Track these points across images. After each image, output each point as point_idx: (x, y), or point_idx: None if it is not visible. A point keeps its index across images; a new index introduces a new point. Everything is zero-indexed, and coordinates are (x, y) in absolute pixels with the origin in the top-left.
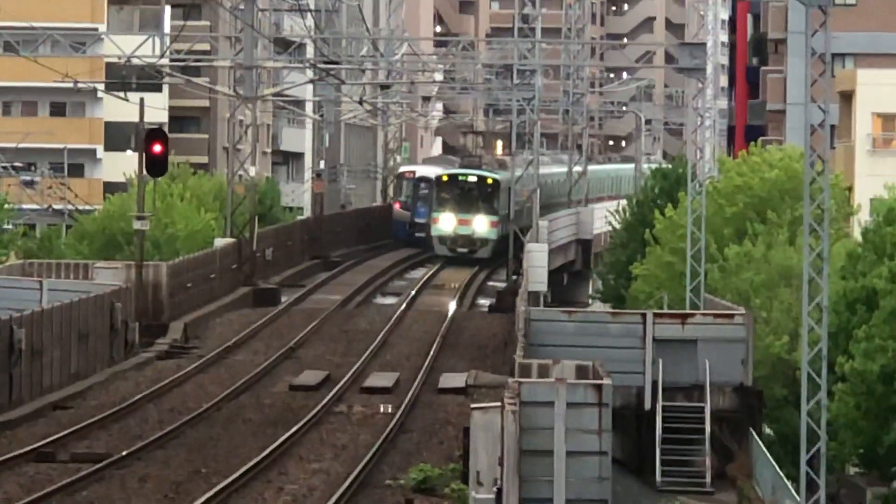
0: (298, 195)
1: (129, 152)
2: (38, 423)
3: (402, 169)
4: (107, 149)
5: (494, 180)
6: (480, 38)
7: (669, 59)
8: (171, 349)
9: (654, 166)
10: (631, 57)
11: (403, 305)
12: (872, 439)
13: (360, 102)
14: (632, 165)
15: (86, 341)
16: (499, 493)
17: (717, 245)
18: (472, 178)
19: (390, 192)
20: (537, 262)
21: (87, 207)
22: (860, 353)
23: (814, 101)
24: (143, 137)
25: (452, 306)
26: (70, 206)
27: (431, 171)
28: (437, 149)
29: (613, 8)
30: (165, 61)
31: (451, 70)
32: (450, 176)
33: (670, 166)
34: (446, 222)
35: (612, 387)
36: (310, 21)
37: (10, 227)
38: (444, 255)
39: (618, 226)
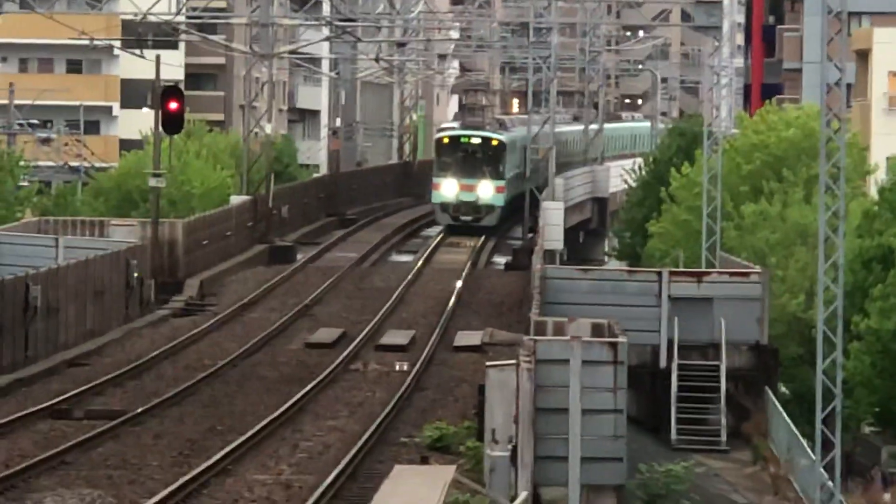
0: (314, 153)
1: (145, 110)
2: (54, 379)
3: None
4: (123, 106)
5: (500, 142)
6: None
7: (686, 17)
8: (187, 306)
9: (639, 124)
10: (647, 15)
11: (419, 263)
12: (888, 397)
13: (377, 60)
14: (628, 124)
15: (101, 298)
16: (514, 450)
17: (733, 203)
18: (476, 140)
19: (406, 149)
20: (553, 219)
21: (103, 165)
22: (876, 312)
23: (830, 60)
24: (160, 95)
25: (468, 264)
26: (86, 164)
27: None
28: (453, 107)
29: None
30: (182, 18)
31: (468, 28)
32: (451, 138)
33: (664, 123)
34: (448, 188)
35: (628, 345)
36: None
37: (26, 184)
38: (447, 223)
39: (634, 184)
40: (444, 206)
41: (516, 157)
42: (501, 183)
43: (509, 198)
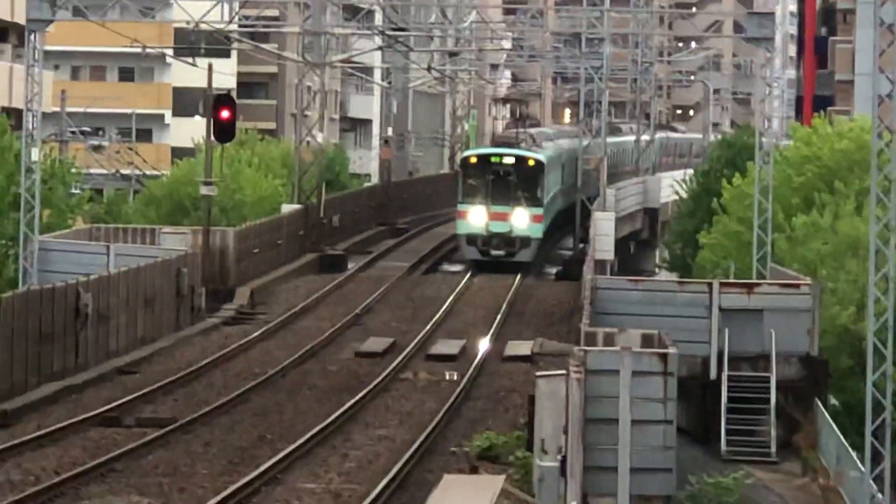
0: (366, 162)
1: (197, 118)
2: (104, 387)
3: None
4: (175, 114)
5: (537, 161)
6: (549, 6)
7: (738, 28)
8: (238, 315)
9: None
10: (700, 26)
11: (470, 273)
12: None
13: (429, 69)
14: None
15: (152, 306)
16: (563, 460)
17: (784, 215)
18: (509, 160)
19: (458, 159)
20: (604, 230)
21: (155, 172)
22: None
23: (882, 72)
24: (212, 103)
25: (519, 275)
26: (138, 171)
27: None
28: (503, 116)
29: None
30: (234, 27)
31: (520, 38)
32: (479, 157)
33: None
34: (476, 217)
35: (678, 356)
36: None
37: (78, 191)
38: (474, 259)
39: (684, 195)
40: (471, 239)
41: (556, 177)
42: (539, 211)
43: (549, 227)
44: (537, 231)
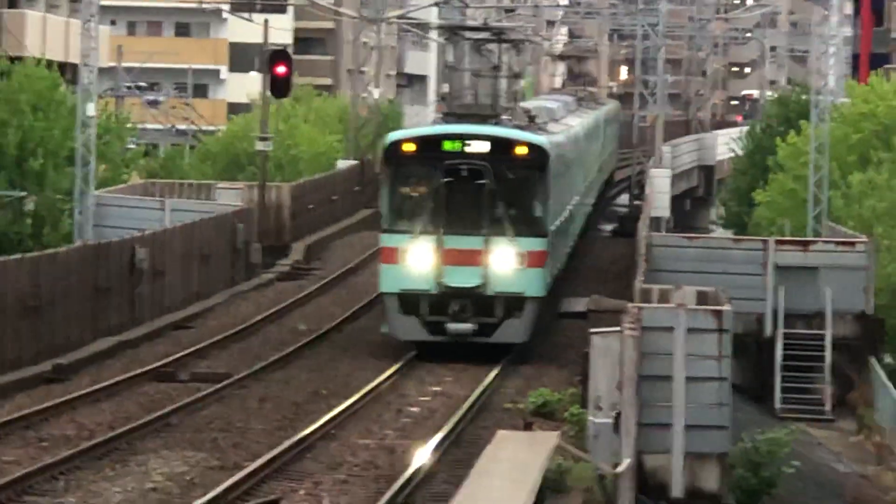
0: (422, 118)
1: (253, 73)
2: (159, 342)
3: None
4: (231, 70)
5: (534, 149)
6: None
7: None
8: (293, 270)
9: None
10: None
11: None
12: None
13: (485, 26)
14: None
15: (207, 262)
16: (618, 417)
17: (840, 172)
18: (480, 147)
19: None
20: (660, 187)
21: (211, 128)
22: None
23: None
24: (268, 58)
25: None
26: (193, 127)
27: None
28: (560, 74)
29: None
30: None
31: None
32: (421, 144)
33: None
34: (416, 260)
35: (733, 313)
36: None
37: (133, 146)
38: (413, 339)
39: (740, 152)
40: (410, 302)
41: (571, 179)
42: (540, 244)
43: (557, 272)
44: (536, 283)
